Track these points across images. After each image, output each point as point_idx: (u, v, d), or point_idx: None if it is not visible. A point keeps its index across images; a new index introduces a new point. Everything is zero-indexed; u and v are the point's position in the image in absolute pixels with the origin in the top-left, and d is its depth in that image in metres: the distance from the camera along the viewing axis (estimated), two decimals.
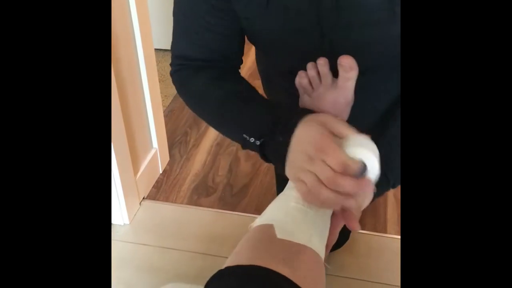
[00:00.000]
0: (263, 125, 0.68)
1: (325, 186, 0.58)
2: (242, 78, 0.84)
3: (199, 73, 0.81)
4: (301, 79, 0.78)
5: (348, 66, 0.71)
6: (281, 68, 0.89)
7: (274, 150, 0.66)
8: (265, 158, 0.69)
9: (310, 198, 0.61)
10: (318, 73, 0.76)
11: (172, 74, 0.85)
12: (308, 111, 0.68)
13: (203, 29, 0.78)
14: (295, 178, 0.62)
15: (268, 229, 0.61)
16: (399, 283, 1.15)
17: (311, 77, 0.77)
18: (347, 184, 0.57)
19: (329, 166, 0.58)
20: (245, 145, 0.71)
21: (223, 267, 0.58)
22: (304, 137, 0.62)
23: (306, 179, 0.60)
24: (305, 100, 0.79)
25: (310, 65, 0.76)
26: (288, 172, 0.64)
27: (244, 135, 0.70)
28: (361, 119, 0.86)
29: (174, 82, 0.85)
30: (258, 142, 0.68)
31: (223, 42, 0.80)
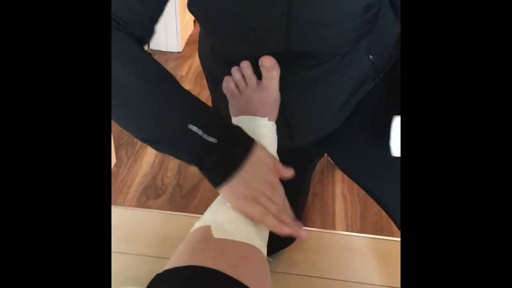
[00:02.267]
0: (221, 121, 0.60)
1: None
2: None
3: (131, 41, 0.67)
4: (227, 84, 0.79)
5: (270, 66, 0.74)
6: (229, 57, 0.83)
7: (224, 158, 0.59)
8: (200, 161, 0.60)
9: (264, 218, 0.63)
10: (243, 76, 0.78)
11: None
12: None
13: None
14: (252, 199, 0.62)
15: (205, 230, 0.61)
16: (347, 278, 1.18)
17: (237, 81, 0.78)
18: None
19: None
20: (177, 138, 0.58)
21: (161, 271, 0.57)
22: (264, 162, 0.64)
23: (264, 202, 0.63)
24: (234, 105, 0.80)
25: (234, 69, 0.78)
26: (242, 191, 0.62)
27: (190, 126, 0.58)
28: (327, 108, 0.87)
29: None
30: (214, 140, 0.58)
31: (150, 3, 0.68)
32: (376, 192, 0.90)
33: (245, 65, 0.76)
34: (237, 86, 0.79)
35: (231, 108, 0.81)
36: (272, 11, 0.70)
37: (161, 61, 1.75)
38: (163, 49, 2.12)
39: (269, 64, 0.74)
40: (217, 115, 0.62)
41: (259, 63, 0.74)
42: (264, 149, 0.65)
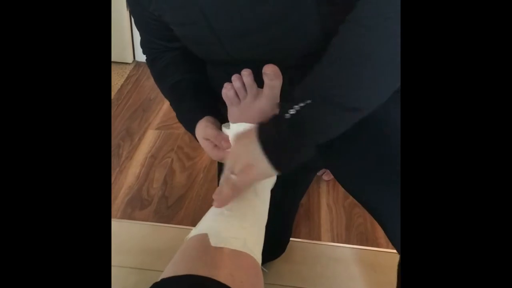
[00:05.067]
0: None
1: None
2: (196, 64, 0.91)
3: (158, 58, 0.94)
4: (227, 91, 0.78)
5: (273, 74, 0.73)
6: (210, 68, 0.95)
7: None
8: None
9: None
10: (243, 84, 0.77)
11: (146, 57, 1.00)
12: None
13: (145, 23, 0.88)
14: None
15: (202, 238, 0.61)
16: None
17: (237, 89, 0.78)
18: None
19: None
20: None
21: (158, 279, 0.57)
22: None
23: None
24: (233, 111, 0.80)
25: (235, 77, 0.77)
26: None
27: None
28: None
29: (146, 62, 1.00)
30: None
31: (165, 29, 0.86)
32: (376, 209, 0.87)
33: (246, 73, 0.75)
34: (236, 94, 0.79)
35: (230, 114, 0.80)
36: (199, 26, 0.76)
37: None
38: None
39: (272, 72, 0.72)
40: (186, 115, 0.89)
41: (262, 71, 0.73)
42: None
